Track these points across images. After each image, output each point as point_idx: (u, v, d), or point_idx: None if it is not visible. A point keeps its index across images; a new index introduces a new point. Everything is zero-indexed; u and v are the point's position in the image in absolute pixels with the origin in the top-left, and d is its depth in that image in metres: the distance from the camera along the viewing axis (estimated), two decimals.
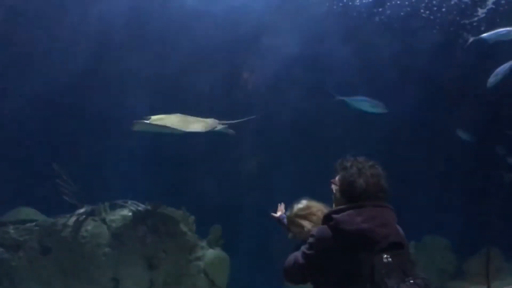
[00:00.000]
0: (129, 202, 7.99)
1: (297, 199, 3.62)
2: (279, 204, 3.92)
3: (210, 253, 8.20)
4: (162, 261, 7.68)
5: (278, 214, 3.86)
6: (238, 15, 9.18)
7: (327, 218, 2.96)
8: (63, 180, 7.60)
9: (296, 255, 3.03)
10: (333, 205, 3.22)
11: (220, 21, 9.13)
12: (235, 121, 8.10)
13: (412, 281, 2.72)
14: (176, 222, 7.94)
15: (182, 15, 8.84)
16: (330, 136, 9.42)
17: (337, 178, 3.13)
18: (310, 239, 2.96)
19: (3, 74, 7.82)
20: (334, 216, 2.90)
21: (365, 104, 9.04)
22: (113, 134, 8.36)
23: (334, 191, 3.16)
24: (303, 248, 3.01)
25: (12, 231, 7.47)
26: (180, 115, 7.75)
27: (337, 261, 2.85)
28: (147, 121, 7.28)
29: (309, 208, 3.55)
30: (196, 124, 7.72)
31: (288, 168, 8.96)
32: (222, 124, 8.03)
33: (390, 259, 2.76)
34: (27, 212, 7.83)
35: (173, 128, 7.44)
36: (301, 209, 3.57)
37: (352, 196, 2.98)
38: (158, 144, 8.48)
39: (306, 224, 3.49)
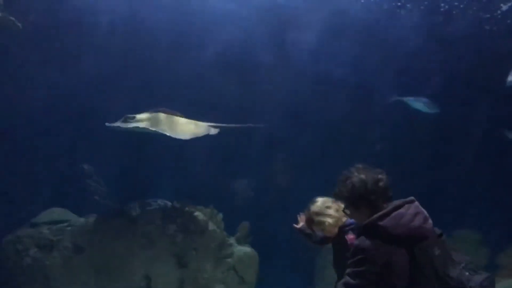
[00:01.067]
0: (158, 201, 8.12)
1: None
2: (298, 216, 3.95)
3: (239, 250, 8.27)
4: (192, 259, 7.78)
5: (300, 225, 3.88)
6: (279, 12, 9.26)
7: (369, 227, 2.87)
8: (94, 181, 7.76)
9: (345, 283, 2.86)
10: (355, 219, 3.20)
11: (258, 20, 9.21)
12: (228, 125, 7.89)
13: (464, 266, 2.85)
14: (204, 220, 8.01)
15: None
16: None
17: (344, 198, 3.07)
18: (358, 257, 2.83)
19: (35, 76, 7.96)
20: (380, 223, 2.84)
21: (420, 104, 9.29)
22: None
23: (349, 213, 3.12)
24: (351, 269, 2.86)
25: (46, 231, 7.64)
26: (167, 114, 7.47)
27: (395, 268, 2.79)
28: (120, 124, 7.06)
29: (324, 203, 3.64)
30: (185, 128, 7.49)
31: (315, 168, 8.93)
32: (213, 126, 7.80)
33: (440, 251, 2.84)
34: (60, 213, 8.00)
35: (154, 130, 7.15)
36: (316, 207, 3.66)
37: (361, 199, 2.95)
38: (186, 143, 8.54)
39: (326, 219, 3.58)
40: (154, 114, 7.26)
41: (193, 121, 7.66)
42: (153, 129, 7.11)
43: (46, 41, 7.82)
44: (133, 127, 7.02)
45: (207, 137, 8.71)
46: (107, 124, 6.95)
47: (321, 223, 3.60)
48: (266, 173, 9.46)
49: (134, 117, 7.14)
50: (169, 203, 8.03)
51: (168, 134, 7.10)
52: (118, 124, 7.01)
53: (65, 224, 7.76)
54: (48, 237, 7.59)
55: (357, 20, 9.41)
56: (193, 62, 8.95)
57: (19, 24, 6.67)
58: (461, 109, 9.84)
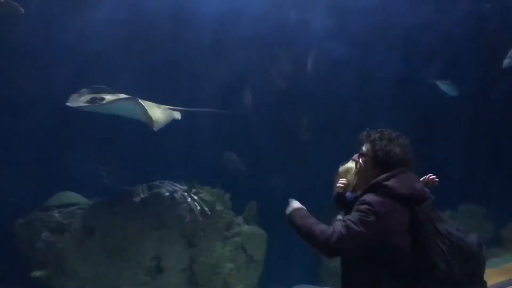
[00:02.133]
0: (166, 182, 8.22)
1: None
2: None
3: (247, 229, 8.42)
4: (201, 238, 7.92)
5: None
6: None
7: (376, 186, 3.05)
8: (103, 164, 7.86)
9: (347, 225, 2.90)
10: (360, 177, 3.33)
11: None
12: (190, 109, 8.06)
13: (457, 227, 3.12)
14: (212, 200, 8.12)
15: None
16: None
17: (364, 149, 3.25)
18: (364, 207, 2.94)
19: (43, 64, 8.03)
20: (385, 183, 3.02)
21: (447, 86, 9.60)
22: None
23: (361, 163, 3.27)
24: (356, 216, 2.93)
25: (56, 214, 7.77)
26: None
27: (398, 224, 2.95)
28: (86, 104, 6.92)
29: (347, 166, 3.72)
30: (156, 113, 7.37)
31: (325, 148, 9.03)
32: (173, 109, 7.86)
33: (435, 213, 3.09)
34: (70, 196, 8.11)
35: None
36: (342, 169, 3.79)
37: (388, 165, 3.13)
38: (193, 124, 8.66)
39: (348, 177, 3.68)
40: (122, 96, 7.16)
41: (156, 105, 7.64)
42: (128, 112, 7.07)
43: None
44: (103, 109, 6.93)
45: (215, 119, 8.91)
46: (69, 104, 6.81)
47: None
48: (273, 152, 9.56)
49: (103, 98, 7.02)
50: (177, 185, 8.14)
51: (143, 120, 7.12)
52: (83, 104, 6.88)
53: (76, 207, 7.90)
54: (59, 220, 7.71)
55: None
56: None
57: (22, 9, 6.70)
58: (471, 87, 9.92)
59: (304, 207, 3.23)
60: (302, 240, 3.02)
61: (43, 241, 7.58)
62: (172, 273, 7.71)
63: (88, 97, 7.11)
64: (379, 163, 3.16)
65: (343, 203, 3.59)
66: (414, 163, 3.21)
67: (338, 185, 3.66)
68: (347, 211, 3.38)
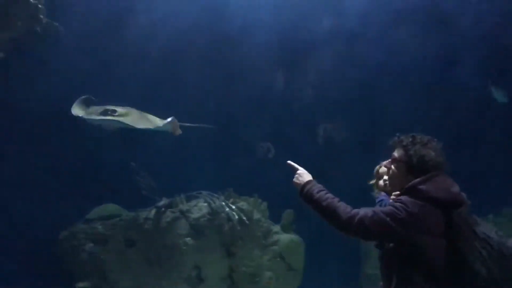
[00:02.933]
0: (203, 192, 8.32)
1: None
2: None
3: (285, 238, 8.41)
4: (240, 247, 7.96)
5: None
6: None
7: (411, 190, 2.98)
8: (142, 177, 8.04)
9: (375, 211, 2.92)
10: (392, 183, 3.25)
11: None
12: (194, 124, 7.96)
13: (495, 231, 3.00)
14: (249, 209, 8.17)
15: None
16: None
17: (397, 155, 3.19)
18: (398, 204, 2.92)
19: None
20: (420, 187, 2.95)
21: (499, 92, 9.60)
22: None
23: (394, 168, 3.20)
24: (390, 210, 2.91)
25: (99, 226, 7.97)
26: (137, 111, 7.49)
27: (431, 226, 2.89)
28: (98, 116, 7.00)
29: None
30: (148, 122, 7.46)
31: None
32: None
33: (472, 218, 2.99)
34: (111, 208, 8.30)
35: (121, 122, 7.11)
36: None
37: (423, 169, 3.05)
38: (226, 135, 8.77)
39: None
40: (131, 110, 7.30)
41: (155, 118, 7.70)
42: (140, 126, 7.16)
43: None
44: (113, 122, 7.03)
45: (248, 128, 9.01)
46: (83, 116, 6.90)
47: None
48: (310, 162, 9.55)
49: (115, 111, 7.13)
50: (214, 195, 8.23)
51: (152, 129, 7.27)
52: (96, 117, 6.97)
53: (117, 219, 8.07)
54: (102, 232, 7.91)
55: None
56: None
57: (62, 29, 6.96)
58: None
59: (314, 180, 3.19)
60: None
61: (87, 252, 7.80)
62: (212, 283, 7.79)
63: (99, 109, 7.24)
64: (413, 168, 3.08)
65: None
66: (447, 166, 3.12)
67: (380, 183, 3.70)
68: None
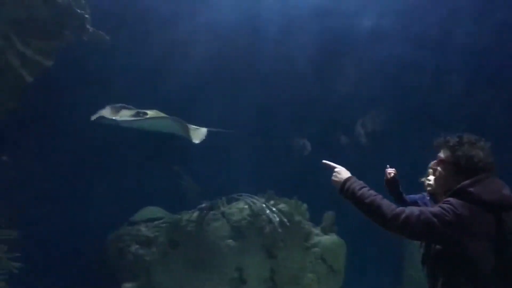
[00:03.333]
0: (244, 195, 8.40)
1: None
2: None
3: (326, 240, 8.40)
4: (281, 249, 7.99)
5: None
6: None
7: (460, 192, 2.91)
8: (185, 180, 8.20)
9: (423, 211, 2.86)
10: (438, 184, 3.20)
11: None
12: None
13: None
14: (290, 211, 8.20)
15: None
16: None
17: (443, 156, 3.12)
18: (447, 205, 2.86)
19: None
20: (470, 189, 2.88)
21: None
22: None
23: (441, 170, 3.14)
24: (438, 211, 2.85)
25: (144, 229, 8.17)
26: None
27: (480, 230, 2.82)
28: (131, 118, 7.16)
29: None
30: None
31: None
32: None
33: None
34: (155, 211, 8.51)
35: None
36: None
37: (472, 170, 2.97)
38: (265, 137, 8.85)
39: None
40: (159, 113, 7.44)
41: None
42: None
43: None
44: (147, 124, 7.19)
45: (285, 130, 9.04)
46: (115, 119, 7.10)
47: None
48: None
49: (146, 113, 7.31)
50: (254, 197, 8.30)
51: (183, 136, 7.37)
52: (128, 118, 7.14)
53: (161, 221, 8.24)
54: (146, 234, 8.11)
55: None
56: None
57: (108, 38, 7.18)
58: None
59: (353, 176, 3.15)
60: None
61: (132, 254, 8.00)
62: (254, 284, 7.84)
63: (130, 112, 7.44)
64: (461, 169, 3.01)
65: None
66: (496, 167, 3.04)
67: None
68: None
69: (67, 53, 6.88)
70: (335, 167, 3.25)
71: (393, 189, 3.96)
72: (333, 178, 3.19)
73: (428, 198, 3.82)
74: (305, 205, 8.52)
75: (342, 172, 3.18)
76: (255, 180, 8.82)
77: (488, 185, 2.91)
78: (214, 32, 8.66)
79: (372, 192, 3.00)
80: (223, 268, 7.78)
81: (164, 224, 8.17)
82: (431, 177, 3.49)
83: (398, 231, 2.86)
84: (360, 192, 2.98)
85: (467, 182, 2.92)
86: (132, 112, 7.44)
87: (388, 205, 2.90)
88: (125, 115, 7.41)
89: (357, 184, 3.05)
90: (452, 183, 3.01)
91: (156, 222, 8.24)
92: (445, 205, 2.86)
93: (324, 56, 9.29)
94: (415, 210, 2.88)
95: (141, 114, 7.34)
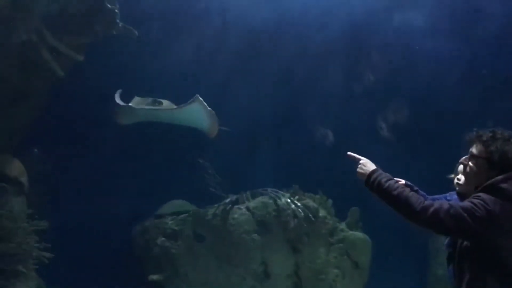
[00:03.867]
0: (269, 189, 8.44)
1: None
2: None
3: (351, 235, 8.39)
4: (305, 244, 8.03)
5: None
6: None
7: (492, 188, 2.84)
8: (209, 174, 8.28)
9: (453, 206, 2.79)
10: (469, 180, 3.11)
11: None
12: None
13: None
14: (315, 207, 8.21)
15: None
16: None
17: (475, 151, 3.04)
18: (478, 201, 2.79)
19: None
20: (502, 185, 2.82)
21: None
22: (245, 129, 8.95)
23: (472, 165, 3.05)
24: (469, 206, 2.78)
25: (170, 222, 8.28)
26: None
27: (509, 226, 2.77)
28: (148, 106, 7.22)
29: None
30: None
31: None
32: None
33: None
34: (180, 204, 8.61)
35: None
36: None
37: (506, 166, 2.90)
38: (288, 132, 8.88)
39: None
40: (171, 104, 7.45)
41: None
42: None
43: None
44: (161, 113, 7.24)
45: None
46: (130, 104, 7.13)
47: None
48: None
49: (162, 102, 7.33)
50: (279, 192, 8.33)
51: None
52: (144, 106, 7.17)
53: (186, 214, 8.35)
54: (172, 227, 8.22)
55: None
56: None
57: (136, 32, 7.28)
58: None
59: (379, 168, 3.07)
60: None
61: (159, 246, 8.13)
62: (279, 279, 7.90)
63: (146, 100, 7.47)
64: (495, 165, 2.93)
65: None
66: None
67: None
68: None
69: (96, 47, 7.01)
70: (360, 159, 3.18)
71: None
72: (358, 170, 3.11)
73: (455, 197, 3.59)
74: (330, 201, 8.52)
75: (367, 164, 3.10)
76: (280, 175, 8.87)
77: None
78: (241, 24, 8.71)
79: (399, 184, 2.96)
80: (247, 262, 7.87)
81: (189, 218, 8.26)
82: (461, 176, 3.41)
83: (426, 225, 2.79)
84: (387, 184, 2.92)
85: (499, 178, 2.85)
86: (148, 100, 7.48)
87: (416, 198, 2.84)
88: (139, 103, 7.46)
89: (384, 176, 2.99)
90: (484, 179, 2.94)
91: (181, 216, 8.33)
92: (476, 200, 2.79)
93: (348, 48, 9.25)
94: (444, 204, 2.82)
95: (157, 103, 7.40)
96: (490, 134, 3.01)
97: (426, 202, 2.82)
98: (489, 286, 2.82)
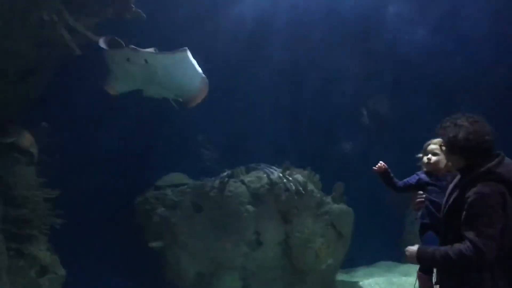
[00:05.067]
0: (262, 165, 9.05)
1: None
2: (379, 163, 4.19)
3: (336, 208, 9.08)
4: (295, 216, 8.65)
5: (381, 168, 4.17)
6: None
7: (487, 174, 3.09)
8: (207, 149, 8.81)
9: (480, 232, 2.99)
10: (442, 163, 3.70)
11: None
12: None
13: None
14: (304, 181, 8.84)
15: None
16: None
17: (436, 141, 3.57)
18: (484, 203, 3.02)
19: None
20: (497, 170, 3.09)
21: None
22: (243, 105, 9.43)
23: (439, 153, 3.61)
24: (481, 219, 3.01)
25: (169, 193, 8.83)
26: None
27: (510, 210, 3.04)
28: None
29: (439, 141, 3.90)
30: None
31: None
32: None
33: None
34: (179, 177, 9.16)
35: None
36: (433, 143, 4.01)
37: (460, 147, 3.18)
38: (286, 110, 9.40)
39: (439, 155, 3.91)
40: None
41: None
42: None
43: None
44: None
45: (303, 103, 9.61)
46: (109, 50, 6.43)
47: (435, 155, 3.95)
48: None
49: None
50: (272, 167, 8.94)
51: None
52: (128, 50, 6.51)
53: (185, 186, 8.92)
54: (172, 198, 8.77)
55: None
56: None
57: (144, 16, 7.61)
58: None
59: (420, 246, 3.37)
60: (449, 268, 3.16)
61: (159, 215, 8.68)
62: (270, 246, 8.53)
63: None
64: (452, 150, 3.25)
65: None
66: (491, 148, 3.20)
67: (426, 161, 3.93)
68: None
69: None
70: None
71: (386, 180, 4.17)
72: (408, 257, 3.39)
73: (423, 175, 4.02)
74: (317, 176, 9.17)
75: (409, 249, 3.38)
76: (272, 151, 9.46)
77: (507, 165, 3.13)
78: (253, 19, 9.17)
79: (442, 248, 3.18)
80: (242, 231, 8.43)
81: (188, 189, 8.83)
82: (433, 157, 3.90)
83: (489, 258, 2.99)
84: (437, 256, 3.17)
85: (492, 164, 3.11)
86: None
87: (458, 249, 3.04)
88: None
89: (427, 251, 3.27)
90: (452, 163, 3.34)
91: (180, 188, 8.89)
92: (481, 207, 3.03)
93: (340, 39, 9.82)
94: (473, 238, 3.00)
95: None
96: (443, 124, 3.33)
97: (468, 248, 3.01)
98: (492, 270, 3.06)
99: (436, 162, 3.92)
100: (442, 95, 10.02)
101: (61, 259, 7.58)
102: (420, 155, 4.11)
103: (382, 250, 10.10)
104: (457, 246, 3.05)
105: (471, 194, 3.07)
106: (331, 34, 9.89)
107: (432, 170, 3.97)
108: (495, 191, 3.03)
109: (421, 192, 3.99)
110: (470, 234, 3.02)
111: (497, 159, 3.14)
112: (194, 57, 6.87)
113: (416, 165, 4.13)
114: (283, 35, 9.61)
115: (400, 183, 4.18)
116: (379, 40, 10.27)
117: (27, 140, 7.57)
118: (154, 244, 8.58)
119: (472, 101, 9.69)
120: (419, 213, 3.98)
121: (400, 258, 10.02)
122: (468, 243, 3.01)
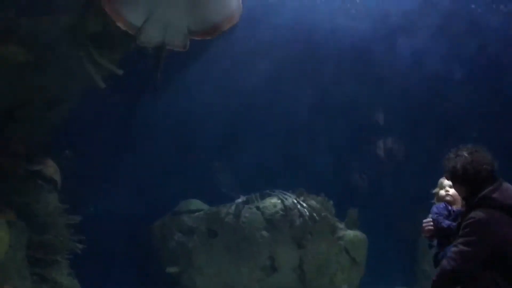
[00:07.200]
0: (276, 191, 9.24)
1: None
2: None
3: (350, 234, 9.18)
4: (309, 241, 8.80)
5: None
6: None
7: (483, 200, 3.18)
8: (222, 175, 9.05)
9: (459, 250, 3.13)
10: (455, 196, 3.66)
11: None
12: None
13: None
14: (317, 207, 9.01)
15: None
16: None
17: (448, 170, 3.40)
18: (474, 226, 3.12)
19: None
20: (493, 195, 3.18)
21: None
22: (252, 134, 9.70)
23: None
24: (464, 238, 3.14)
25: (186, 218, 9.06)
26: None
27: (508, 237, 3.11)
28: None
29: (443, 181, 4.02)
30: None
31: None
32: None
33: None
34: (196, 203, 9.39)
35: None
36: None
37: (462, 178, 3.30)
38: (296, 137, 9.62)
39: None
40: None
41: None
42: None
43: None
44: None
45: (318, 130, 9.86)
46: None
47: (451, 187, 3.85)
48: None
49: None
50: (286, 193, 9.10)
51: None
52: None
53: (201, 212, 9.14)
54: (188, 223, 9.00)
55: None
56: None
57: None
58: None
59: None
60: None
61: (176, 241, 8.90)
62: (284, 272, 8.66)
63: None
64: (456, 180, 3.36)
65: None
66: (491, 177, 3.27)
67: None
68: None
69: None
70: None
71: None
72: None
73: (450, 207, 3.91)
74: (331, 202, 9.30)
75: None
76: (288, 178, 9.64)
77: (504, 191, 3.21)
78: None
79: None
80: (257, 256, 8.59)
81: (204, 215, 9.04)
82: (451, 190, 3.84)
83: (460, 276, 3.15)
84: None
85: (488, 190, 3.20)
86: None
87: (437, 275, 3.30)
88: None
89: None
90: (461, 193, 3.41)
91: (197, 214, 9.11)
92: (470, 228, 3.14)
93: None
94: (452, 255, 3.18)
95: None
96: (446, 156, 3.45)
97: (449, 264, 3.18)
98: (490, 280, 3.12)
99: (455, 194, 3.86)
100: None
101: (81, 283, 7.79)
102: (436, 190, 4.10)
103: (396, 276, 10.12)
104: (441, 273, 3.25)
105: (467, 218, 3.22)
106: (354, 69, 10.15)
107: (452, 202, 3.94)
108: (490, 217, 3.13)
109: (429, 219, 3.94)
110: (451, 249, 3.23)
111: (493, 185, 3.23)
112: None
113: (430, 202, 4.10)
114: (301, 70, 9.86)
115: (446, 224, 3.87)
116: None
117: (50, 167, 7.86)
118: (171, 270, 8.77)
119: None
120: (435, 241, 3.88)
121: (415, 284, 10.05)
122: (445, 260, 3.21)
